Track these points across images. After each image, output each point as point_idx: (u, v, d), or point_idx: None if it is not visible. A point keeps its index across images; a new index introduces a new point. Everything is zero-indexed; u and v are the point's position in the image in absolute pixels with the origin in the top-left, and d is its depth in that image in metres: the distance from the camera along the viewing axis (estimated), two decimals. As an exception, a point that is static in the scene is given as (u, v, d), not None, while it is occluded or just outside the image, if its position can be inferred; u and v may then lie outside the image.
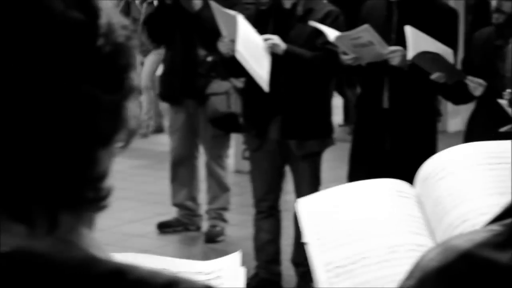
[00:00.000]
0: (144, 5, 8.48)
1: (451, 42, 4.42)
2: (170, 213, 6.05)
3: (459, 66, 4.57)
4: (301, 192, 4.57)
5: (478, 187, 1.40)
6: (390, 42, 4.39)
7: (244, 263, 1.30)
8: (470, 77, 4.33)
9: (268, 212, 4.91)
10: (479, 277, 0.93)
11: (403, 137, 4.52)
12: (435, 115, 4.80)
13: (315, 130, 4.69)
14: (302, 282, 4.87)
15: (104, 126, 0.86)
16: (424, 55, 4.22)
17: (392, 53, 4.35)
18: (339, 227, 1.43)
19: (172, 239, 5.92)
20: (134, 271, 0.84)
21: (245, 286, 1.28)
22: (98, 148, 0.86)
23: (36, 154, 0.82)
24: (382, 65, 4.41)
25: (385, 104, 4.51)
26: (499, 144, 1.44)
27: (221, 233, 5.86)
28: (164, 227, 6.00)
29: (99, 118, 0.85)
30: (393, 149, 4.53)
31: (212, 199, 5.92)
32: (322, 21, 4.52)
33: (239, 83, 5.37)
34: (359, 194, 1.49)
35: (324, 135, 4.74)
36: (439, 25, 4.43)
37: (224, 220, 5.91)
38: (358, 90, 5.24)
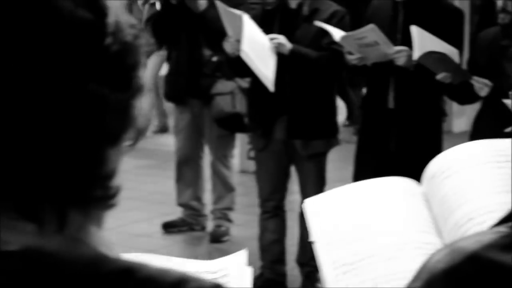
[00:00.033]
0: (146, 6, 8.47)
1: (456, 42, 4.41)
2: (175, 213, 6.05)
3: (464, 66, 4.56)
4: (306, 192, 4.56)
5: (485, 185, 1.40)
6: (395, 42, 4.38)
7: (249, 263, 1.29)
8: (475, 77, 4.32)
9: (274, 212, 4.90)
10: (486, 279, 0.92)
11: (409, 137, 4.51)
12: (441, 115, 4.79)
13: (320, 130, 4.68)
14: (307, 282, 4.87)
15: (112, 125, 0.86)
16: (430, 55, 4.22)
17: (397, 53, 4.34)
18: (346, 225, 1.43)
19: (177, 239, 5.92)
20: (143, 270, 0.84)
21: (252, 285, 1.27)
22: (107, 146, 0.86)
23: (45, 153, 0.82)
24: (387, 65, 4.40)
25: (391, 104, 4.51)
26: (507, 142, 1.44)
27: (226, 233, 5.85)
28: (169, 227, 6.00)
29: (107, 117, 0.85)
30: (399, 150, 4.52)
31: (217, 199, 5.91)
32: (328, 21, 4.52)
33: (245, 83, 5.37)
34: (366, 192, 1.48)
35: (329, 135, 4.74)
36: (445, 25, 4.42)
37: (229, 220, 5.90)
38: (361, 90, 5.23)
